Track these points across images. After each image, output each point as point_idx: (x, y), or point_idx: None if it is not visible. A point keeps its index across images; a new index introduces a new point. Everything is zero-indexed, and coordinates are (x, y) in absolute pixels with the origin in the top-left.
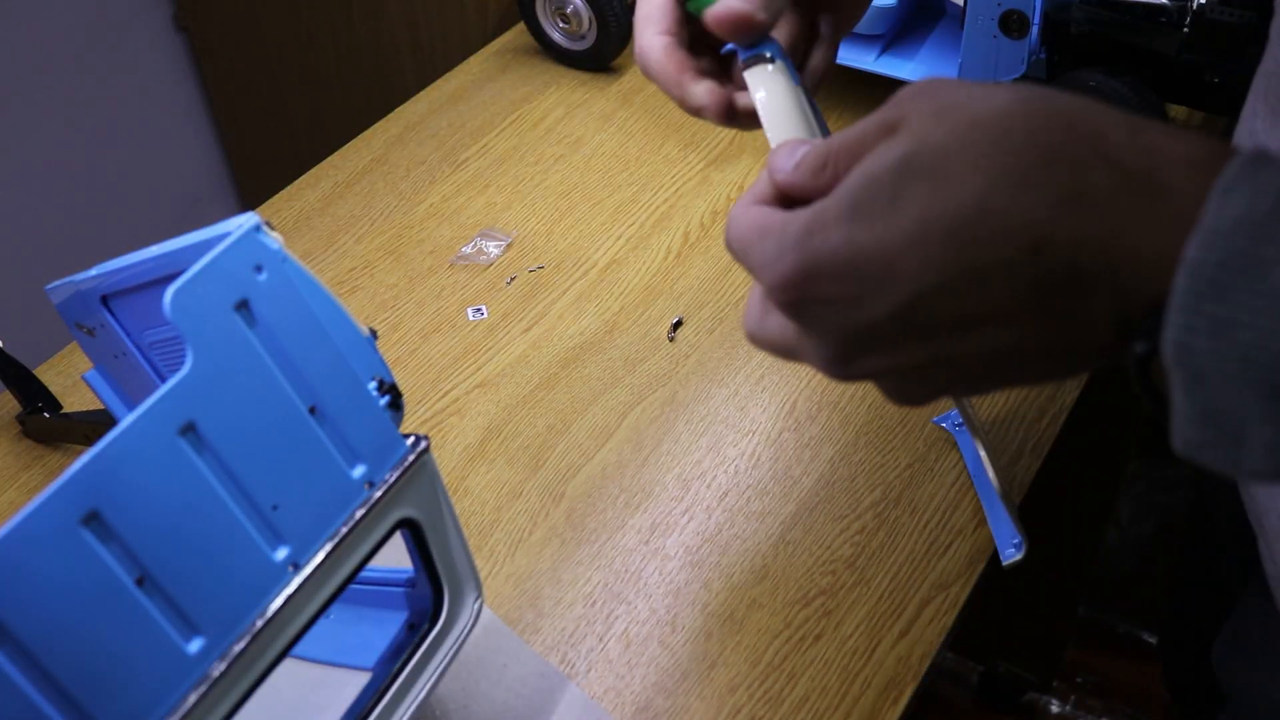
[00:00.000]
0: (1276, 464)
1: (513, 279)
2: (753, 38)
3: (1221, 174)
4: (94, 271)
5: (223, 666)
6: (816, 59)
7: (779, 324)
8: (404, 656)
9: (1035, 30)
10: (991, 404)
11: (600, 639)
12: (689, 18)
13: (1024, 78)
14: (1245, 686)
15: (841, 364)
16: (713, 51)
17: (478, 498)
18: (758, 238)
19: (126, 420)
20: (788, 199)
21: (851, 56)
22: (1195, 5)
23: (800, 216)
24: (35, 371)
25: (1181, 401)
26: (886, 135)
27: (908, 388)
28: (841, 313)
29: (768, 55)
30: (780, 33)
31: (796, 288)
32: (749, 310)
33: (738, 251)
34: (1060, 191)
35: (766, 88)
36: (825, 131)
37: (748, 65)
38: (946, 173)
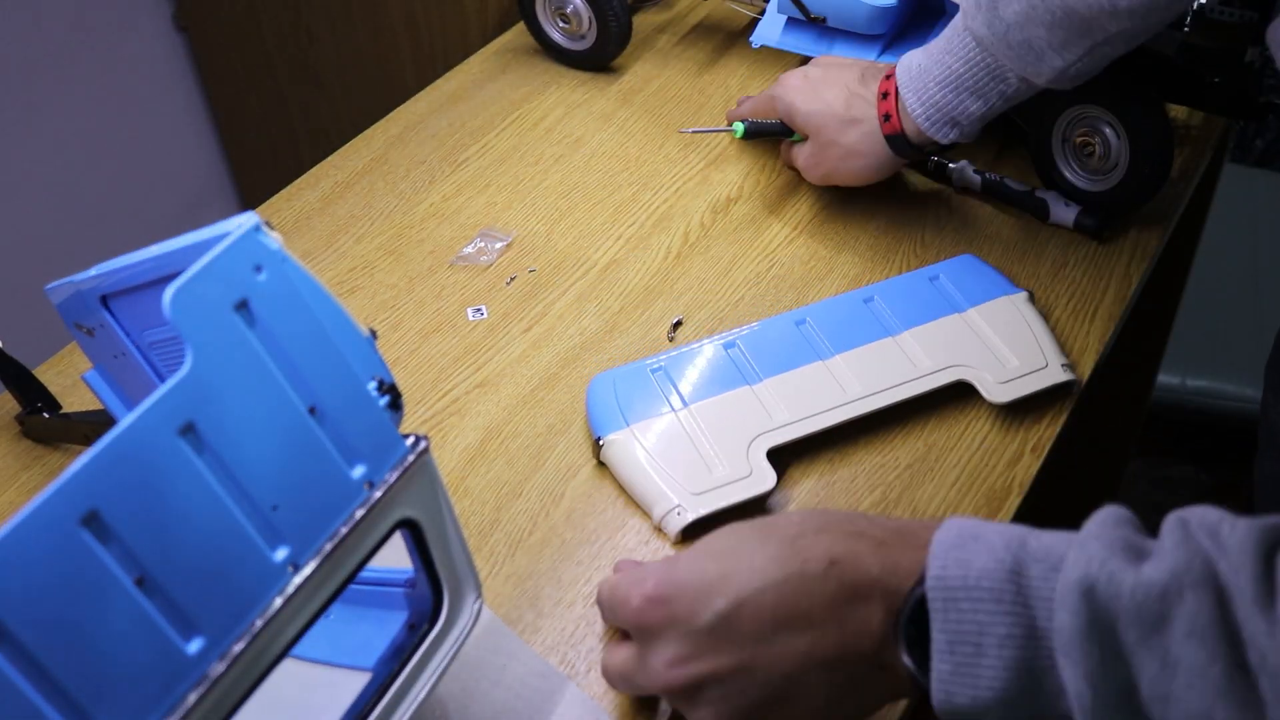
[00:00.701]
0: (1008, 667)
1: (513, 279)
2: None
3: (939, 527)
4: (94, 271)
5: (223, 667)
6: None
7: (624, 652)
8: (404, 656)
9: None
10: (992, 403)
11: (600, 639)
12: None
13: None
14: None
15: (669, 668)
16: None
17: (478, 498)
18: (624, 574)
19: (126, 420)
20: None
21: (852, 55)
22: (1195, 5)
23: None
24: (35, 371)
25: (937, 634)
26: None
27: (721, 696)
28: (670, 628)
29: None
30: None
31: (654, 603)
32: (605, 652)
33: (606, 595)
34: (847, 530)
35: (612, 464)
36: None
37: (600, 449)
38: (772, 527)
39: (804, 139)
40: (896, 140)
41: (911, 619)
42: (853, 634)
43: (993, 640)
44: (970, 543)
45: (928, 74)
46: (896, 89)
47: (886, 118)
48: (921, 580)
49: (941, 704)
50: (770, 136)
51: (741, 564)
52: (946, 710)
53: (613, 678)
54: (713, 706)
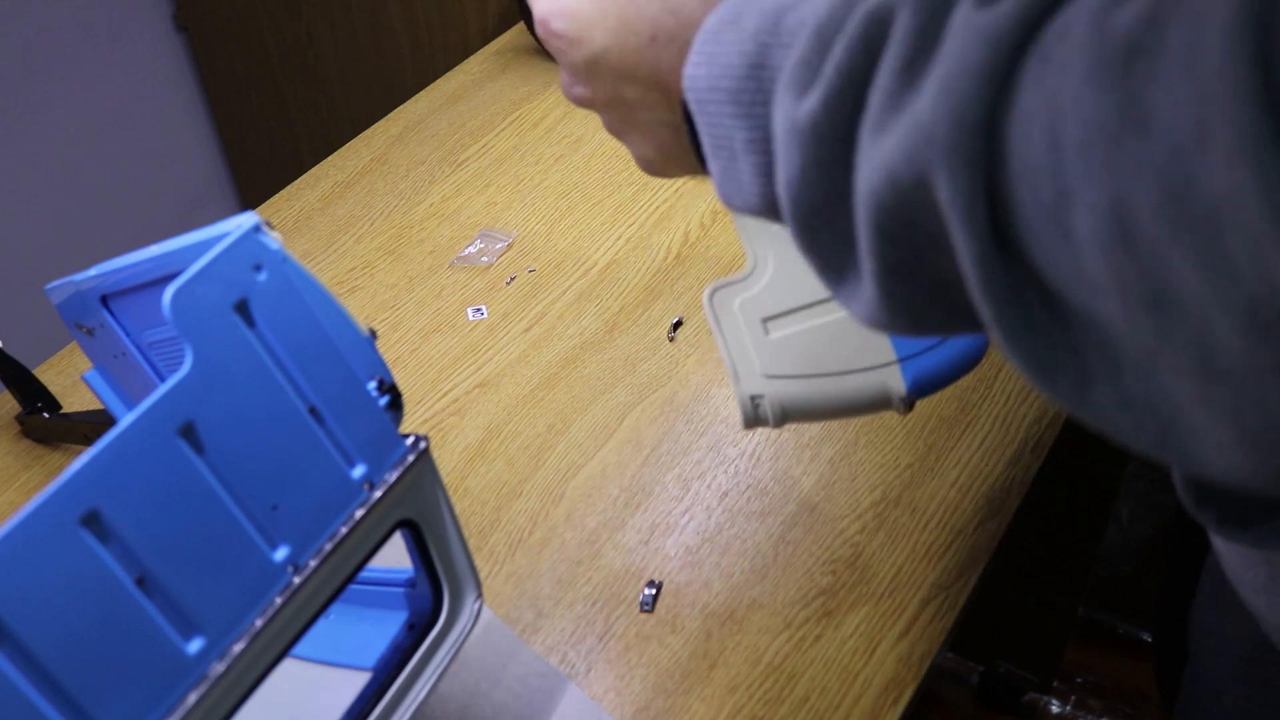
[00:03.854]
0: (760, 173)
1: (513, 279)
2: None
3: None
4: (94, 271)
5: (223, 667)
6: None
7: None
8: (404, 656)
9: None
10: (991, 403)
11: (600, 639)
12: None
13: None
14: (1202, 626)
15: (566, 88)
16: None
17: (478, 498)
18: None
19: (126, 420)
20: None
21: None
22: None
23: None
24: (35, 371)
25: (703, 136)
26: None
27: (607, 120)
28: (563, 54)
29: None
30: None
31: (540, 25)
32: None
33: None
34: (670, 5)
35: None
36: None
37: None
38: None
39: None
40: None
41: (687, 115)
42: (669, 110)
43: (740, 145)
44: (726, 30)
45: None
46: None
47: None
48: None
49: (727, 205)
50: None
51: (599, 18)
52: (733, 210)
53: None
54: (603, 118)
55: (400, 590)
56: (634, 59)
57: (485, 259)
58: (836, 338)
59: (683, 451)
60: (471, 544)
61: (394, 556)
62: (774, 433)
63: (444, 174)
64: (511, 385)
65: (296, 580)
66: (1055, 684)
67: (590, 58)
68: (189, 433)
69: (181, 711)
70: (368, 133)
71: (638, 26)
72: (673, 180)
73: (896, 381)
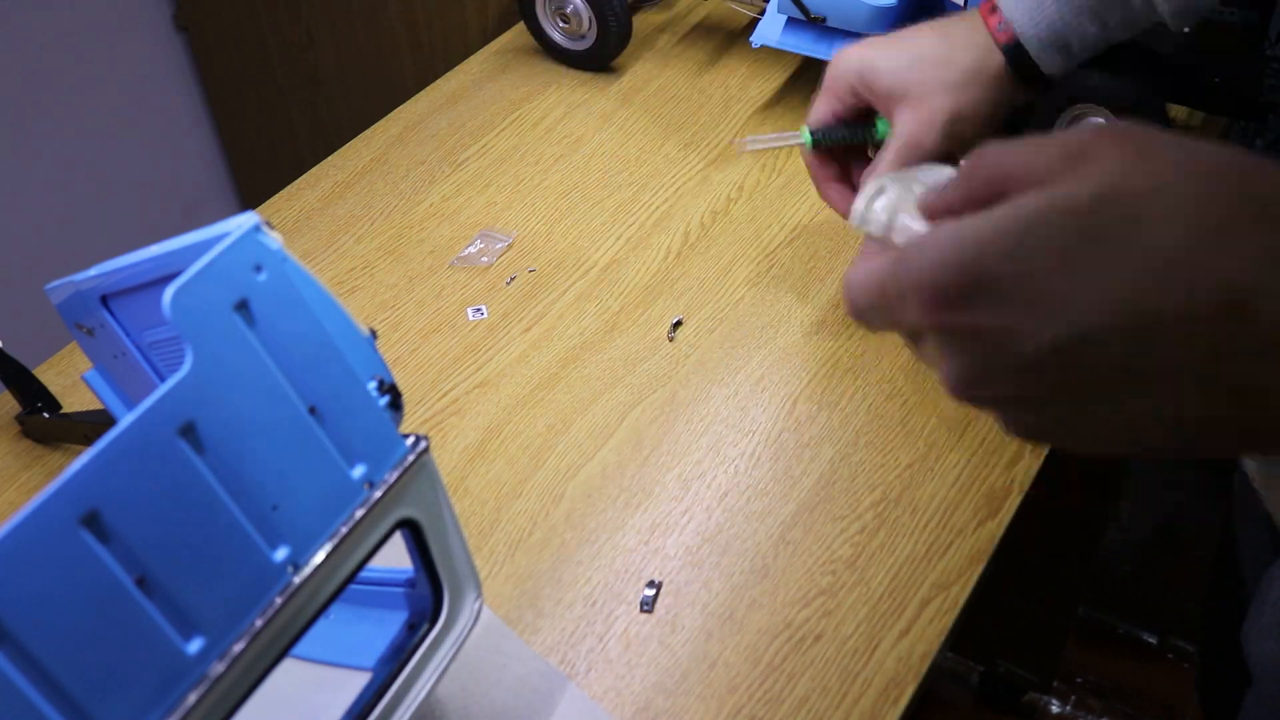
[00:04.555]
0: None
1: (513, 279)
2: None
3: None
4: (94, 271)
5: (222, 667)
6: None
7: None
8: (404, 656)
9: None
10: None
11: (600, 639)
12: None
13: None
14: (1263, 658)
15: (969, 388)
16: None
17: (478, 498)
18: (895, 265)
19: (126, 420)
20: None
21: None
22: None
23: (961, 226)
24: (35, 371)
25: None
26: (1071, 164)
27: (1029, 421)
28: (991, 340)
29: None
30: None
31: (950, 306)
32: (868, 280)
33: (872, 289)
34: (1269, 253)
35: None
36: None
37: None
38: (1143, 216)
39: (883, 135)
40: (1016, 53)
41: None
42: (1245, 405)
43: None
44: None
45: None
46: (1002, 11)
47: (1001, 28)
48: None
49: None
50: (844, 142)
51: (1081, 279)
52: None
53: (861, 307)
54: (1006, 418)
55: (400, 590)
56: (1175, 345)
57: (485, 259)
58: None
59: (683, 451)
60: (471, 544)
61: (394, 556)
62: (774, 433)
63: (444, 174)
64: (511, 385)
65: (296, 580)
66: (1055, 684)
67: (1061, 342)
68: (189, 433)
69: (181, 711)
70: (368, 133)
71: (1193, 294)
72: (673, 180)
73: None
